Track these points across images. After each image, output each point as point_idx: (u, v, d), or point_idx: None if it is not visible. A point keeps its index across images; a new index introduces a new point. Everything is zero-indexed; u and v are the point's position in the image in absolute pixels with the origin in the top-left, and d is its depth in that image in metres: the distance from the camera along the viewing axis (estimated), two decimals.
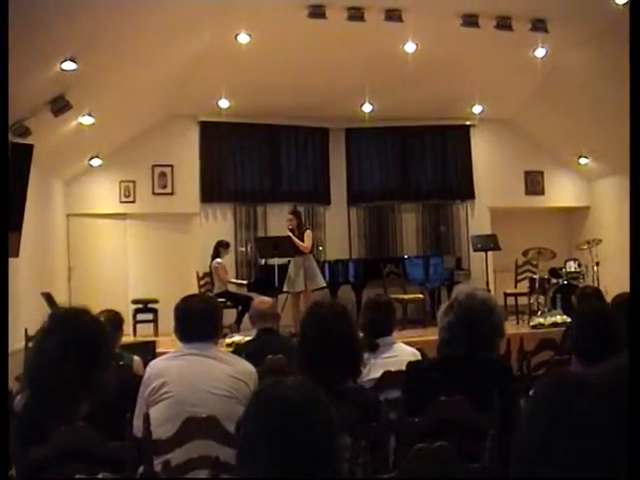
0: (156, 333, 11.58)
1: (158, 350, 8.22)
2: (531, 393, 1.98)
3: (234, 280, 12.36)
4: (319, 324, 3.63)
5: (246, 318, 9.61)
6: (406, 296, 11.80)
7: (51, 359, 3.19)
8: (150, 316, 12.03)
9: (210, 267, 11.99)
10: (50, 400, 3.14)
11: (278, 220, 13.44)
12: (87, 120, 10.12)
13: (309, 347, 3.61)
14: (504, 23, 9.90)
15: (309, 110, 13.18)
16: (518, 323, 11.45)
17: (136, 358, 5.57)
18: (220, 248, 12.09)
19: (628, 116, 3.31)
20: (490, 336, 3.67)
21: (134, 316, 11.56)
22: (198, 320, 3.98)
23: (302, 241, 10.98)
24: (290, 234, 11.06)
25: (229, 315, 11.54)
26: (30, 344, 7.66)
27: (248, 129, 13.74)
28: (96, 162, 12.51)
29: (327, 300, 7.95)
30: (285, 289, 11.06)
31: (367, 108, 12.86)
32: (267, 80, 11.54)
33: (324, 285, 11.26)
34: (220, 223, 13.58)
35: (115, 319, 5.55)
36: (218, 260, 11.90)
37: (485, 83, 12.29)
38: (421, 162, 14.61)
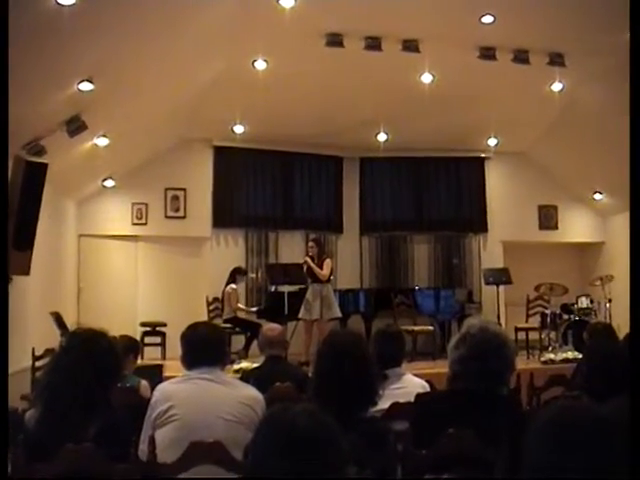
0: (163, 357, 11.57)
1: (165, 374, 8.18)
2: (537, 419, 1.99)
3: (243, 307, 12.27)
4: (335, 353, 3.60)
5: (254, 345, 9.58)
6: (416, 327, 11.74)
7: (65, 376, 3.23)
8: (158, 339, 12.03)
9: (223, 292, 11.93)
10: (61, 417, 3.16)
11: (289, 247, 13.46)
12: (102, 141, 10.17)
13: (324, 376, 3.58)
14: (521, 56, 9.91)
15: (324, 138, 13.21)
16: (528, 358, 11.36)
17: (143, 382, 5.55)
18: (237, 275, 12.08)
19: None
20: (501, 371, 3.62)
21: (142, 339, 11.50)
22: (205, 346, 3.98)
23: (321, 269, 10.93)
24: (309, 260, 10.98)
25: (237, 341, 11.50)
26: (37, 363, 7.69)
27: (262, 155, 13.76)
28: (109, 183, 12.56)
29: (345, 330, 7.93)
30: (301, 316, 10.98)
31: (382, 137, 12.91)
32: (283, 107, 11.59)
33: (340, 315, 11.18)
34: (231, 248, 13.57)
35: (132, 345, 6.02)
36: (233, 286, 11.86)
37: (501, 116, 12.28)
38: (435, 193, 14.60)
